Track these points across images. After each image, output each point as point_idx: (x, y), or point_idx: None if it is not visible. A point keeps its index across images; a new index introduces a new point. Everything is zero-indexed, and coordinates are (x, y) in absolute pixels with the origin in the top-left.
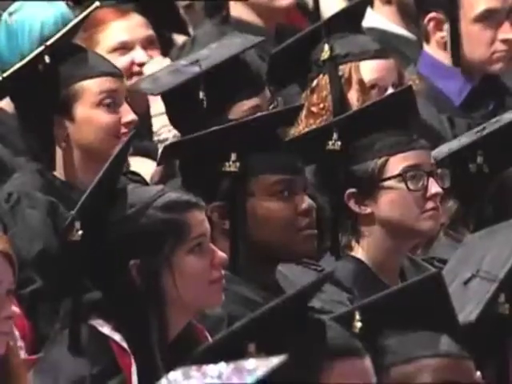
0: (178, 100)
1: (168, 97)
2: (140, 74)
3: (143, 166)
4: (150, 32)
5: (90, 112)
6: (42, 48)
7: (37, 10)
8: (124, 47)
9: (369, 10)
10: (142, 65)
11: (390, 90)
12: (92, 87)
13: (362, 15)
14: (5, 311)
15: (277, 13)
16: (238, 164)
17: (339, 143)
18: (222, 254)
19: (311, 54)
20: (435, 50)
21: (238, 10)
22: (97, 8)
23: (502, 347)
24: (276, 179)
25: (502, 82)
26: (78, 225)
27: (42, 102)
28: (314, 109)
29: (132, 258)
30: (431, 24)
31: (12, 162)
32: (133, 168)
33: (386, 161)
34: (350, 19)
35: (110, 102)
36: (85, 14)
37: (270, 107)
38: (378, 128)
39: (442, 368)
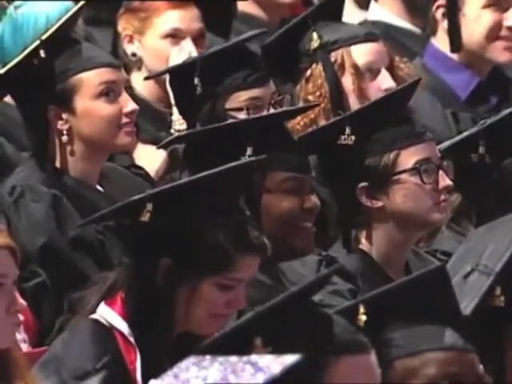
0: (178, 85)
1: (170, 82)
2: None
3: (152, 156)
4: (202, 25)
5: (90, 104)
6: (36, 43)
7: (42, 4)
8: (176, 35)
9: (373, 3)
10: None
11: (384, 73)
12: (91, 79)
13: (341, 5)
14: (15, 305)
15: (281, 7)
16: (253, 159)
17: (353, 137)
18: (243, 301)
19: (299, 45)
20: (442, 42)
21: (243, 4)
22: (86, 3)
23: (498, 340)
24: (287, 177)
25: (506, 76)
26: (149, 206)
27: (39, 96)
28: (310, 97)
29: (168, 256)
30: (439, 11)
31: (16, 156)
32: (141, 157)
33: (398, 154)
34: (332, 9)
35: (110, 92)
36: (77, 7)
37: (273, 101)
38: (389, 121)
39: (447, 361)
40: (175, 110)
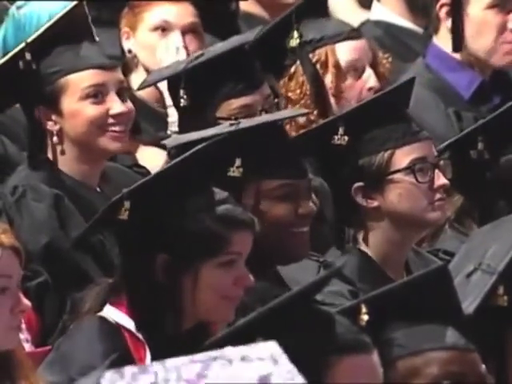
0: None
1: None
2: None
3: (154, 157)
4: (195, 20)
5: (76, 105)
6: (22, 45)
7: (45, 4)
8: (165, 28)
9: (375, 2)
10: (177, 49)
11: (368, 70)
12: (77, 81)
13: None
14: (19, 305)
15: (284, 7)
16: (241, 170)
17: (346, 138)
18: (250, 277)
19: (285, 42)
20: (444, 42)
21: (245, 4)
22: (77, 5)
23: (500, 339)
24: (281, 184)
25: (509, 75)
26: (127, 204)
27: (27, 98)
28: (290, 94)
29: (163, 252)
30: (443, 10)
31: (18, 156)
32: (144, 158)
33: (393, 153)
34: (317, 5)
35: (98, 94)
36: (66, 9)
37: (267, 106)
38: (383, 121)
39: (449, 360)
40: (171, 111)
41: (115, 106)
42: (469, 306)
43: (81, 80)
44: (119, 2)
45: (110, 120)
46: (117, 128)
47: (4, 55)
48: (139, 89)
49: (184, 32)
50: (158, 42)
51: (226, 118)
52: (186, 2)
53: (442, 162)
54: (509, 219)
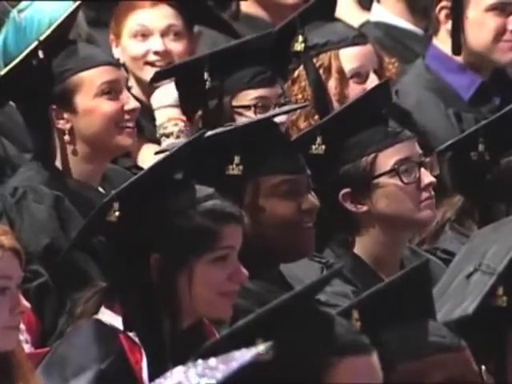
0: (185, 81)
1: (177, 79)
2: (153, 64)
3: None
4: (174, 22)
5: (91, 102)
6: (35, 44)
7: (45, 7)
8: (143, 33)
9: (376, 4)
10: (156, 53)
11: (372, 76)
12: (91, 78)
13: (334, 4)
14: (19, 306)
15: (285, 9)
16: (241, 167)
17: (323, 147)
18: (243, 271)
19: (290, 46)
20: (444, 43)
21: (246, 6)
22: (83, 2)
23: (500, 340)
24: (281, 180)
25: (509, 77)
26: (116, 206)
27: (40, 96)
28: (293, 99)
29: (155, 252)
30: (442, 13)
31: (18, 157)
32: (145, 158)
33: (376, 157)
34: (323, 9)
35: (111, 91)
36: (74, 6)
37: (279, 103)
38: (361, 126)
39: (448, 362)
40: (157, 115)
41: (130, 101)
42: (468, 306)
43: (96, 77)
44: (117, 2)
45: (126, 116)
46: (130, 124)
47: (4, 59)
48: (155, 78)
49: (163, 35)
50: (138, 47)
51: (243, 107)
52: (165, 4)
53: (427, 159)
54: (509, 221)
